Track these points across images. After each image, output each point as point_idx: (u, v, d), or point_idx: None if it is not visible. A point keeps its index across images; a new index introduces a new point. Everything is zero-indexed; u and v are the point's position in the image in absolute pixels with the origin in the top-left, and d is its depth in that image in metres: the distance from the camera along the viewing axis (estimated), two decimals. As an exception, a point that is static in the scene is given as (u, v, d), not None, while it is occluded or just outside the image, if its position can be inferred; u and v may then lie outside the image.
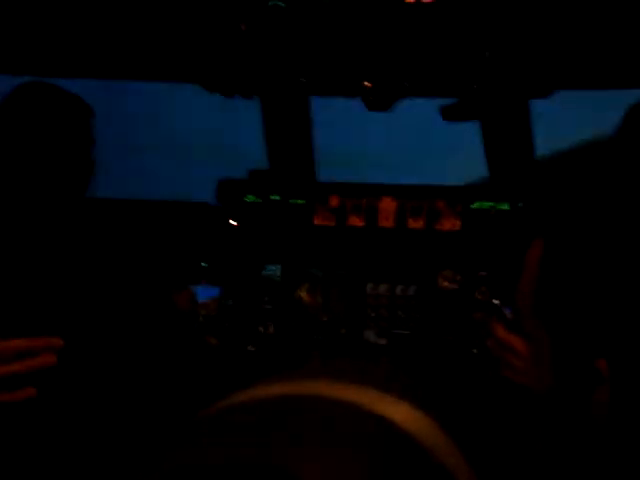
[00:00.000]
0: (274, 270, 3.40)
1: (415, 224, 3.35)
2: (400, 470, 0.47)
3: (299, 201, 3.40)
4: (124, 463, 2.20)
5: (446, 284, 3.32)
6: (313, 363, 0.65)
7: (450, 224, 3.34)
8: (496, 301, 2.05)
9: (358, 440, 0.48)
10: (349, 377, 0.54)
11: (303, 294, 3.38)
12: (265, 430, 0.49)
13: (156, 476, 0.47)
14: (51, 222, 2.35)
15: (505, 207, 3.30)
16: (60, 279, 2.28)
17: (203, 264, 3.40)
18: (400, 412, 0.50)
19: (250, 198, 3.42)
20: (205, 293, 3.40)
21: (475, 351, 3.26)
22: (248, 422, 0.50)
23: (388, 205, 3.37)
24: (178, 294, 3.06)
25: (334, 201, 3.39)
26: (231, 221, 3.41)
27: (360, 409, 0.49)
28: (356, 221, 3.38)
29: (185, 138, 8.02)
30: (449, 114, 3.20)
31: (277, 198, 3.42)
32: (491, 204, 3.31)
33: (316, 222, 3.40)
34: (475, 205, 3.32)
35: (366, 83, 3.01)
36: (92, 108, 2.50)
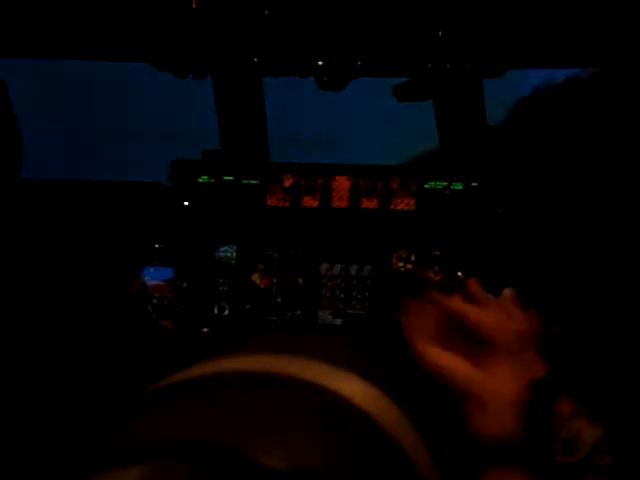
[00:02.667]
0: (228, 251, 3.37)
1: (369, 204, 3.35)
2: (356, 449, 0.46)
3: (252, 181, 3.38)
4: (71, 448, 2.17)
5: (400, 264, 3.32)
6: (265, 337, 0.64)
7: (404, 204, 3.34)
8: (460, 273, 2.05)
9: (311, 418, 0.47)
10: (299, 351, 0.53)
11: (257, 275, 3.36)
12: (213, 409, 0.47)
13: (104, 452, 0.46)
14: None
15: (459, 186, 3.30)
16: None
17: (156, 245, 3.37)
18: (350, 386, 0.49)
19: (203, 178, 3.39)
20: (158, 274, 3.37)
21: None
22: (195, 401, 0.48)
23: (342, 185, 3.36)
24: (129, 284, 3.02)
25: (288, 181, 3.37)
26: (184, 201, 3.38)
27: (312, 386, 0.48)
28: (310, 201, 3.37)
29: (138, 120, 7.95)
30: (402, 94, 3.19)
31: (230, 178, 3.39)
32: (445, 183, 3.31)
33: (269, 202, 3.38)
34: (429, 184, 3.32)
35: (319, 62, 2.99)
36: (3, 80, 2.41)
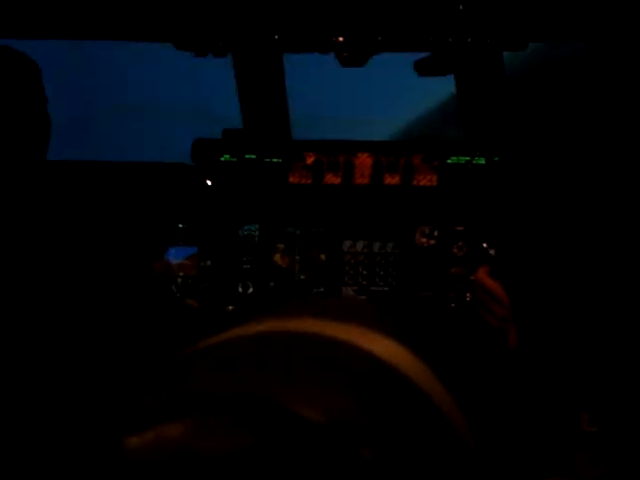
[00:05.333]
0: (251, 230, 3.38)
1: (391, 180, 3.35)
2: (389, 404, 0.47)
3: (274, 159, 3.39)
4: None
5: (424, 240, 3.33)
6: (297, 302, 0.65)
7: (426, 179, 3.33)
8: (485, 244, 2.08)
9: (346, 375, 0.48)
10: (334, 315, 0.54)
11: (279, 254, 3.37)
12: (251, 366, 0.49)
13: (140, 410, 0.47)
14: (10, 188, 2.31)
15: (481, 161, 3.29)
16: (24, 249, 2.25)
17: (180, 225, 3.38)
18: (386, 348, 0.51)
19: (225, 157, 3.40)
20: (182, 254, 3.39)
21: (453, 306, 3.27)
22: (234, 358, 0.50)
23: (364, 161, 3.36)
24: (155, 263, 3.04)
25: (310, 159, 3.37)
26: (207, 181, 3.39)
27: (346, 345, 0.50)
28: (332, 179, 3.37)
29: (160, 100, 7.96)
30: (423, 68, 3.18)
31: (252, 157, 3.39)
32: (467, 159, 3.31)
33: (292, 180, 3.38)
34: (451, 160, 3.32)
35: (339, 38, 2.98)
36: (38, 65, 2.43)
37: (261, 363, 0.49)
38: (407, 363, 0.49)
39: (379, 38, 2.98)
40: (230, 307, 3.35)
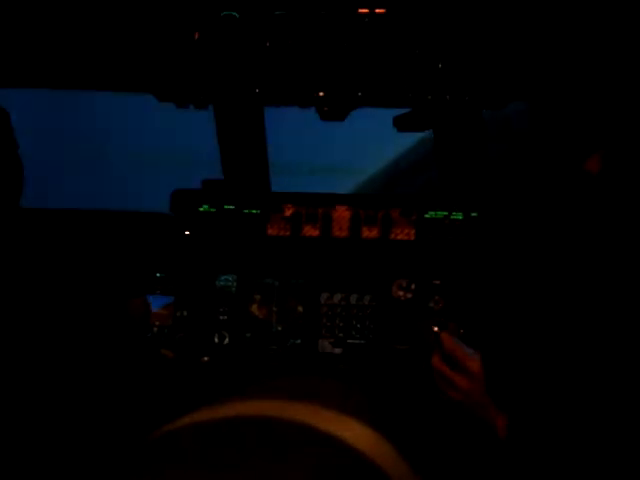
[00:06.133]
0: (229, 280, 3.38)
1: (369, 233, 3.36)
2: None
3: (253, 211, 3.40)
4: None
5: (400, 293, 3.33)
6: (264, 381, 0.65)
7: (404, 233, 3.35)
8: (435, 328, 2.07)
9: (309, 461, 0.48)
10: (300, 396, 0.54)
11: (257, 305, 3.37)
12: (216, 454, 0.49)
13: None
14: None
15: (459, 217, 3.31)
16: None
17: (158, 274, 3.38)
18: (351, 431, 0.51)
19: (204, 208, 3.41)
20: (160, 303, 3.38)
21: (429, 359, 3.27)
22: (199, 445, 0.50)
23: (342, 214, 3.37)
24: (132, 302, 3.03)
25: (288, 210, 3.39)
26: (186, 231, 3.39)
27: (311, 430, 0.49)
28: (310, 231, 3.38)
29: (139, 148, 7.98)
30: (402, 124, 3.21)
31: (231, 208, 3.40)
32: (445, 213, 3.33)
33: (270, 232, 3.39)
34: (429, 214, 3.34)
35: (320, 93, 3.01)
36: (6, 110, 2.43)
37: (226, 453, 0.48)
38: (372, 446, 0.49)
39: (359, 93, 3.01)
40: (206, 358, 3.33)
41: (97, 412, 2.41)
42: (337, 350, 3.33)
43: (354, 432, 0.50)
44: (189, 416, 0.53)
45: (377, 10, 2.64)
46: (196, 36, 2.76)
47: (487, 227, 3.27)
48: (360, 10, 2.63)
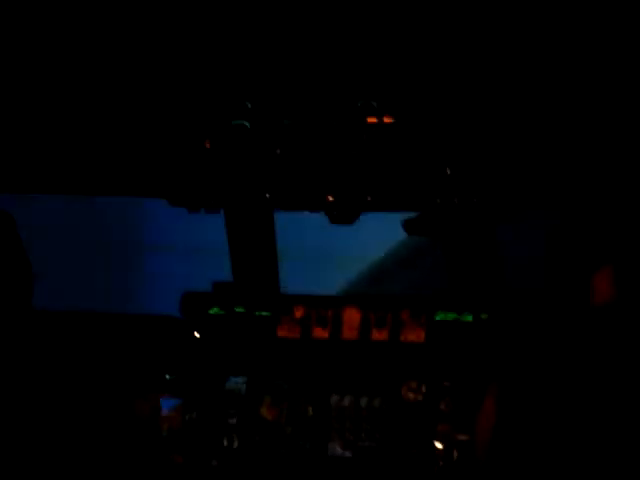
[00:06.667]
0: (238, 382, 3.37)
1: (379, 335, 3.36)
2: None
3: (264, 313, 3.40)
4: None
5: (411, 395, 3.31)
6: None
7: (414, 335, 3.35)
8: (440, 445, 2.05)
9: None
10: None
11: (266, 407, 3.35)
12: None
13: None
14: None
15: (468, 318, 3.31)
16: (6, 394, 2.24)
17: (167, 376, 3.37)
18: None
19: (214, 310, 3.42)
20: (169, 405, 3.37)
21: (441, 464, 3.24)
22: None
23: (352, 316, 3.38)
24: (138, 401, 3.03)
25: (298, 312, 3.39)
26: (196, 333, 3.40)
27: None
28: (320, 333, 3.38)
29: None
30: (412, 228, 3.24)
31: (242, 310, 3.41)
32: (455, 315, 3.33)
33: (280, 334, 3.39)
34: (439, 316, 3.34)
35: (330, 198, 3.04)
36: (12, 216, 2.46)
37: None
38: None
39: (368, 198, 3.04)
40: (215, 462, 3.30)
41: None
42: (347, 453, 3.30)
43: None
44: None
45: (385, 119, 2.70)
46: (207, 144, 2.81)
47: (497, 330, 3.26)
48: (369, 119, 2.69)
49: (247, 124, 2.70)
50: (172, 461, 3.14)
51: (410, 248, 5.51)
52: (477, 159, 2.84)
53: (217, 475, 3.29)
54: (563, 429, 1.13)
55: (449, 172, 2.90)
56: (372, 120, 2.73)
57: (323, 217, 3.18)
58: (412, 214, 3.26)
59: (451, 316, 3.33)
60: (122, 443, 2.57)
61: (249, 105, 2.74)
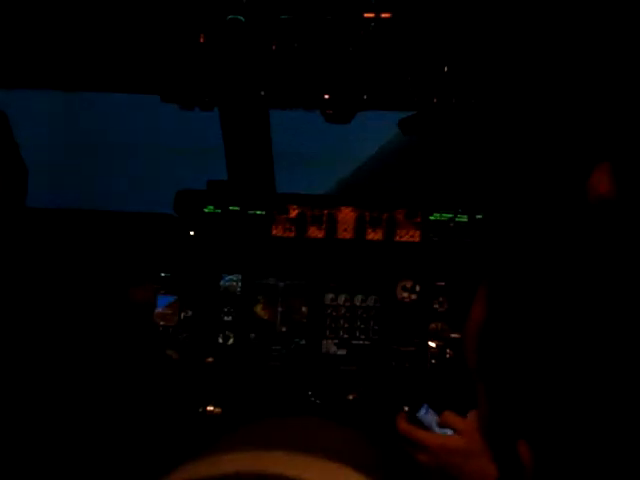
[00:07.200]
0: (233, 280, 3.39)
1: (374, 235, 3.36)
2: None
3: (258, 212, 3.40)
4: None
5: (405, 295, 3.34)
6: (263, 426, 0.64)
7: (409, 235, 3.35)
8: (406, 408, 2.06)
9: None
10: (302, 445, 0.53)
11: (261, 305, 3.37)
12: None
13: None
14: None
15: (463, 219, 3.32)
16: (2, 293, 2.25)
17: (162, 274, 3.38)
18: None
19: (209, 209, 3.41)
20: (163, 302, 3.39)
21: (433, 362, 3.28)
22: None
23: (347, 216, 3.38)
24: (134, 289, 3.04)
25: (293, 212, 3.39)
26: (190, 231, 3.40)
27: None
28: (315, 232, 3.38)
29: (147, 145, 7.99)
30: (408, 127, 3.21)
31: (236, 209, 3.41)
32: (450, 215, 3.33)
33: (275, 233, 3.40)
34: (434, 216, 3.34)
35: (326, 96, 3.01)
36: (3, 111, 2.42)
37: None
38: None
39: (365, 96, 3.00)
40: (210, 358, 3.34)
41: (100, 409, 2.41)
42: (341, 351, 3.34)
43: None
44: (185, 469, 0.53)
45: (383, 15, 2.64)
46: (202, 39, 2.76)
47: (492, 229, 3.27)
48: (366, 14, 2.63)
49: (242, 18, 2.65)
50: (167, 357, 3.18)
51: (402, 148, 5.46)
52: (476, 57, 2.80)
53: (212, 371, 3.33)
54: (554, 328, 1.12)
55: (447, 70, 2.86)
56: (369, 15, 2.67)
57: (315, 119, 3.15)
58: (408, 113, 3.22)
59: (446, 216, 3.33)
60: (119, 330, 2.57)
61: (244, -1, 2.68)
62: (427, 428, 2.03)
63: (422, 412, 2.09)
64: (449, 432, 1.94)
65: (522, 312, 1.14)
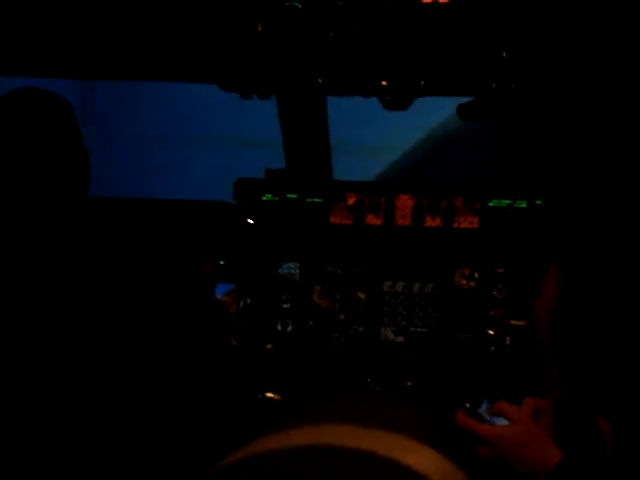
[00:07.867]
0: (292, 268, 3.41)
1: (432, 222, 3.35)
2: None
3: (316, 200, 3.41)
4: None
5: (463, 282, 3.32)
6: (329, 404, 0.65)
7: (467, 222, 3.34)
8: (467, 404, 2.04)
9: None
10: (366, 420, 0.54)
11: (319, 293, 3.38)
12: None
13: None
14: (54, 224, 2.34)
15: (522, 205, 3.29)
16: (65, 284, 2.28)
17: (221, 262, 3.41)
18: (418, 456, 0.51)
19: (267, 197, 3.43)
20: (222, 290, 3.42)
21: (492, 349, 3.26)
22: (264, 477, 0.50)
23: (405, 203, 3.37)
24: (198, 266, 3.06)
25: (351, 199, 3.39)
26: (249, 219, 3.42)
27: (376, 456, 0.50)
28: (373, 219, 3.38)
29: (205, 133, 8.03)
30: (466, 112, 3.19)
31: (294, 197, 3.42)
32: (509, 202, 3.31)
33: (333, 220, 3.41)
34: (492, 203, 3.32)
35: (383, 82, 3.00)
36: (69, 102, 2.45)
37: None
38: (440, 472, 0.49)
39: (422, 82, 3.00)
40: (269, 345, 3.36)
41: (172, 390, 2.44)
42: (399, 338, 3.34)
43: (420, 457, 0.51)
44: (247, 448, 0.54)
45: (441, 0, 2.63)
46: (260, 27, 2.78)
47: (552, 215, 3.24)
48: (424, 0, 2.63)
49: (299, 5, 2.66)
50: (228, 344, 3.20)
51: (457, 133, 5.42)
52: (535, 42, 2.77)
53: (271, 358, 3.36)
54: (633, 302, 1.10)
55: (505, 55, 2.84)
56: (427, 1, 2.67)
57: (370, 106, 3.14)
58: (466, 99, 3.20)
59: (505, 202, 3.31)
60: (190, 312, 2.58)
61: (302, -14, 2.70)
62: (489, 423, 2.02)
63: (483, 407, 2.09)
64: (505, 422, 1.94)
65: (600, 288, 1.13)
